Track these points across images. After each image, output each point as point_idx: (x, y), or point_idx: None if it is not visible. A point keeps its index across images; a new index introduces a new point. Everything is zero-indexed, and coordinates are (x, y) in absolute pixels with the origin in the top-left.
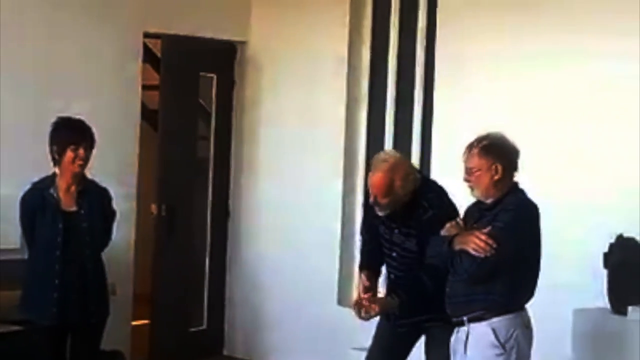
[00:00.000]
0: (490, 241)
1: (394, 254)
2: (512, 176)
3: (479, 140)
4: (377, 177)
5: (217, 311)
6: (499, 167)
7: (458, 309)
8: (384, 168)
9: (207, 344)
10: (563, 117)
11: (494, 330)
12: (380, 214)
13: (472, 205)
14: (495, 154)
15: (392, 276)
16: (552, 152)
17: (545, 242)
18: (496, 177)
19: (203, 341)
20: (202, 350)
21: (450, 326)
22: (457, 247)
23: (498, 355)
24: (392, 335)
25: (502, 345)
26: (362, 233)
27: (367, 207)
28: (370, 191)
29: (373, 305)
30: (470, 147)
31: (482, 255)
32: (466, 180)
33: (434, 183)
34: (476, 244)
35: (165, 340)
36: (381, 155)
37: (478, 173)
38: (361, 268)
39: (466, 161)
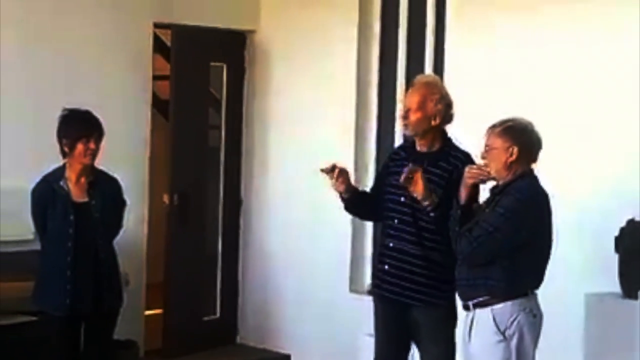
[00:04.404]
0: (482, 167)
1: (402, 199)
2: (528, 162)
3: (504, 121)
4: (412, 89)
5: (230, 300)
6: (515, 150)
7: (463, 292)
8: (422, 81)
9: (220, 332)
10: (574, 102)
11: (494, 317)
12: (406, 133)
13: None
14: (514, 136)
15: (396, 221)
16: (562, 138)
17: (556, 228)
18: (510, 160)
19: (216, 330)
20: (216, 339)
21: (430, 310)
22: (461, 191)
23: (498, 342)
24: (394, 323)
25: (502, 332)
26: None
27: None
28: (403, 107)
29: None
30: (493, 126)
31: (484, 179)
32: (482, 157)
33: None
34: (470, 174)
35: (178, 329)
36: (422, 75)
37: (495, 152)
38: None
39: (486, 139)
